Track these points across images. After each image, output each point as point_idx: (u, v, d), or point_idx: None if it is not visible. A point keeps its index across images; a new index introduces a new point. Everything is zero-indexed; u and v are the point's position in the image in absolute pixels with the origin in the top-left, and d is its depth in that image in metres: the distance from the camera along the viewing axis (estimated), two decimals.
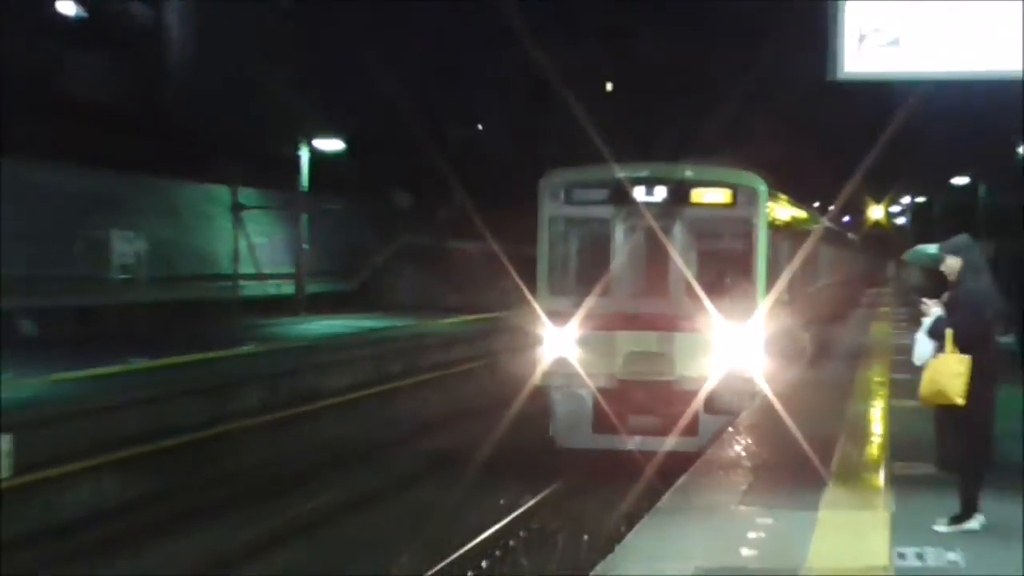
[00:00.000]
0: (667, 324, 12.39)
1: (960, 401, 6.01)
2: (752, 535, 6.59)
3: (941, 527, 6.41)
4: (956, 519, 6.40)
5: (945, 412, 6.29)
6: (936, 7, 6.84)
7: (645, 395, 12.36)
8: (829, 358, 19.30)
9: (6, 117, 20.57)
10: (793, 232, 16.15)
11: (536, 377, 12.86)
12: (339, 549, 10.60)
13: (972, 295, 6.27)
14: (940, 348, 6.18)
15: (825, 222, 23.27)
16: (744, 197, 12.49)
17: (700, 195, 12.60)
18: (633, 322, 12.50)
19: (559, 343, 12.48)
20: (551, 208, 13.02)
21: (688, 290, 12.30)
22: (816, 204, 29.09)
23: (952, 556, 5.91)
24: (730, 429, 11.39)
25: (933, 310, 6.40)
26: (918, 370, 6.50)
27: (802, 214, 18.63)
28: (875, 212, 44.44)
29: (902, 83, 9.36)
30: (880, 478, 8.66)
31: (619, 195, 12.59)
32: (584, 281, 12.91)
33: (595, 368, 12.36)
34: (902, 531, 6.54)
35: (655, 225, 12.45)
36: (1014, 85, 7.34)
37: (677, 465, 9.84)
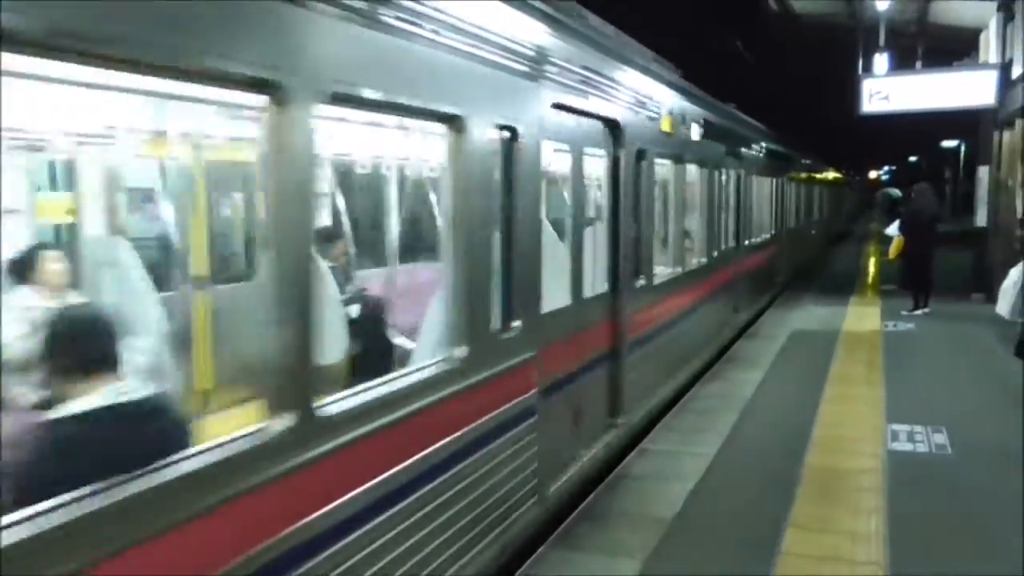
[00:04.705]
0: None
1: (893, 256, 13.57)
2: (818, 315, 13.98)
3: (904, 312, 13.74)
4: (911, 309, 13.76)
5: (904, 260, 13.80)
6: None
7: None
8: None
9: None
10: None
11: None
12: None
13: (919, 208, 13.72)
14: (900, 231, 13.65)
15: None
16: None
17: None
18: None
19: None
20: None
21: None
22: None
23: (909, 325, 13.00)
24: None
25: (896, 221, 13.94)
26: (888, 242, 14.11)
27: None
28: (871, 174, 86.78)
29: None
30: (875, 291, 16.46)
31: None
32: None
33: None
34: (886, 314, 13.80)
35: None
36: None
37: None
